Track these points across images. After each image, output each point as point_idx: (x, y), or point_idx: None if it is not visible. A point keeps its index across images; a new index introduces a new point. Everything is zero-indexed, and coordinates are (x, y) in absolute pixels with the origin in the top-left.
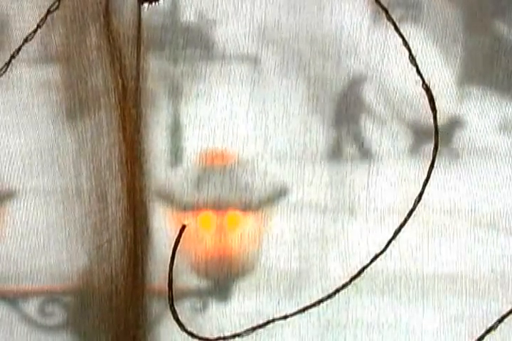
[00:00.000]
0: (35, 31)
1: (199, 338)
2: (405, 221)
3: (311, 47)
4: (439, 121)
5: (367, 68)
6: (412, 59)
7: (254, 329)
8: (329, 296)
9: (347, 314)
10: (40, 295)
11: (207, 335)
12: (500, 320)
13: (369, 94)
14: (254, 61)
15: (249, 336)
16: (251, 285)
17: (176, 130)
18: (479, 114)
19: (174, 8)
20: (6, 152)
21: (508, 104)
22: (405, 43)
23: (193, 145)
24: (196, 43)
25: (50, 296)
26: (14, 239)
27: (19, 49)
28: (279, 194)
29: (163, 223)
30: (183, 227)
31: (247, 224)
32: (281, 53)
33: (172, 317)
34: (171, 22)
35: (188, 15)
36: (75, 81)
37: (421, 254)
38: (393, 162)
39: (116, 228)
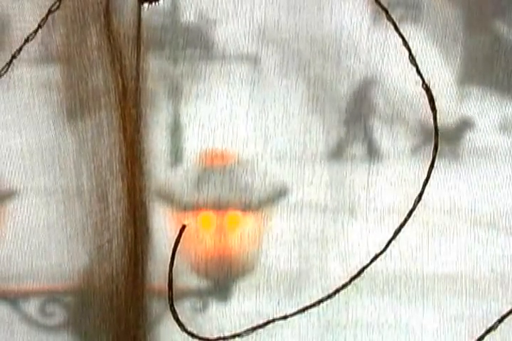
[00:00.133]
0: (36, 31)
1: (199, 338)
2: (405, 221)
3: (311, 47)
4: (446, 122)
5: (367, 68)
6: (412, 59)
7: (254, 329)
8: (329, 296)
9: (347, 314)
10: (40, 295)
11: (207, 335)
12: (500, 320)
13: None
14: (254, 61)
15: (249, 336)
16: (251, 285)
17: (176, 130)
18: (479, 114)
19: (174, 8)
20: (7, 152)
21: (508, 104)
22: (405, 43)
23: (193, 145)
24: (196, 43)
25: (50, 296)
26: (15, 239)
27: (20, 49)
28: (279, 194)
29: (163, 223)
30: (183, 227)
31: (247, 224)
32: (281, 53)
33: (172, 317)
34: (171, 22)
35: (188, 15)
36: (75, 81)
37: (421, 254)
38: (393, 162)
39: (116, 228)
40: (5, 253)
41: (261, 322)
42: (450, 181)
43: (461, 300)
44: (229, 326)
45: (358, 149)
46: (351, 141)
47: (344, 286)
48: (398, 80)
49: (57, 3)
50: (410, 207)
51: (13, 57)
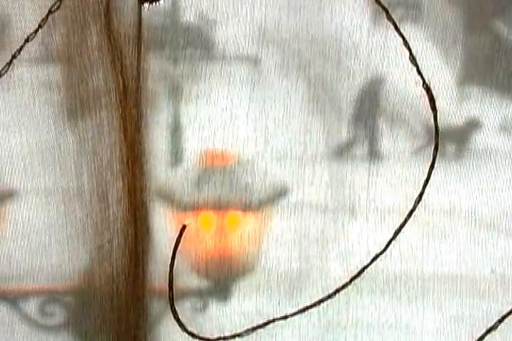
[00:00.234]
0: (36, 31)
1: (199, 338)
2: (405, 221)
3: (311, 47)
4: (452, 123)
5: (367, 68)
6: (413, 59)
7: (254, 329)
8: (329, 296)
9: (347, 314)
10: (40, 295)
11: (207, 335)
12: (501, 321)
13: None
14: (255, 62)
15: (250, 336)
16: (251, 285)
17: (176, 130)
18: (479, 115)
19: (174, 9)
20: (7, 152)
21: (508, 105)
22: (405, 43)
23: (194, 145)
24: (196, 44)
25: (50, 296)
26: (15, 239)
27: (20, 49)
28: (279, 194)
29: (163, 223)
30: (184, 227)
31: (248, 224)
32: (282, 54)
33: (172, 317)
34: (171, 22)
35: (189, 15)
36: (75, 81)
37: (421, 254)
38: (393, 162)
39: (116, 228)
40: (5, 253)
41: (261, 322)
42: (450, 181)
43: (461, 300)
44: (229, 326)
45: (358, 149)
46: (351, 141)
47: (344, 286)
48: (398, 80)
49: (58, 3)
50: (410, 207)
51: (14, 57)
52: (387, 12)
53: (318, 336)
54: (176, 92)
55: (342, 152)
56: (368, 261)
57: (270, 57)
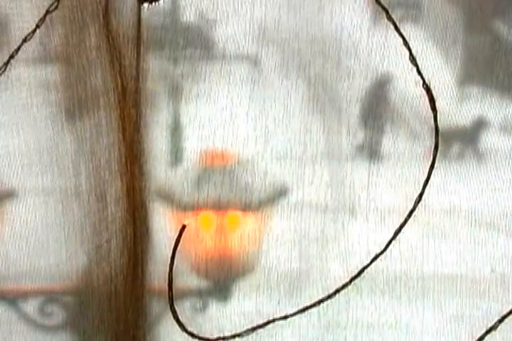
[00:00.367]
0: (34, 31)
1: (199, 338)
2: (405, 221)
3: (311, 47)
4: (458, 123)
5: (367, 68)
6: (413, 59)
7: (254, 329)
8: (329, 296)
9: (347, 314)
10: (39, 295)
11: (207, 335)
12: (501, 321)
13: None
14: (255, 61)
15: (249, 336)
16: (251, 285)
17: (175, 130)
18: (479, 115)
19: (174, 8)
20: (5, 152)
21: (508, 105)
22: (405, 43)
23: (193, 145)
24: (196, 43)
25: (49, 296)
26: (13, 239)
27: (18, 49)
28: (279, 194)
29: (163, 223)
30: (183, 227)
31: (247, 224)
32: (282, 53)
33: (172, 317)
34: (171, 22)
35: (188, 15)
36: (74, 81)
37: (421, 254)
38: (393, 162)
39: (115, 228)
40: (3, 253)
41: (261, 322)
42: (450, 181)
43: (461, 300)
44: (229, 326)
45: (358, 149)
46: (352, 141)
47: (344, 286)
48: (398, 80)
49: (56, 3)
50: (410, 207)
51: (11, 57)
52: (387, 12)
53: (318, 336)
54: (175, 92)
55: (342, 152)
56: (368, 261)
57: (270, 57)
